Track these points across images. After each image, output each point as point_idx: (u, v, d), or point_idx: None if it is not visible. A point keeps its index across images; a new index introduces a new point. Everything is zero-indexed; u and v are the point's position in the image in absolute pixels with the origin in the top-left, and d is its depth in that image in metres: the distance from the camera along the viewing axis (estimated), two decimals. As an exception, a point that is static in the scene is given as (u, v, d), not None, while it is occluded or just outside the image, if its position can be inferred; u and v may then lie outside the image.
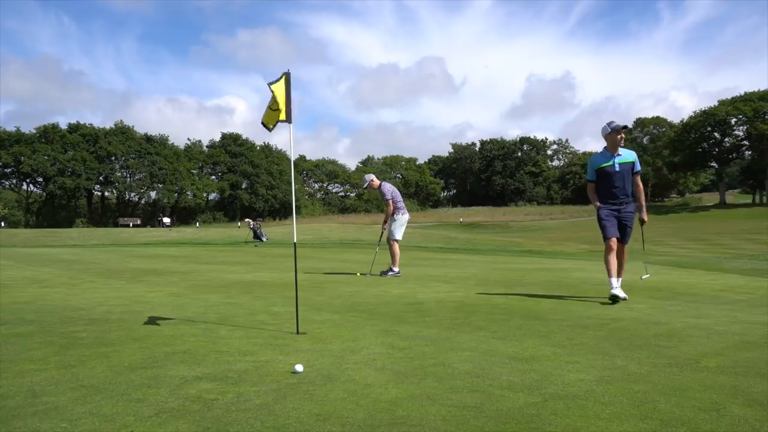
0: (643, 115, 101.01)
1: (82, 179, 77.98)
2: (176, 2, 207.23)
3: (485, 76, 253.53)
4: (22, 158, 74.96)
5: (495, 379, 2.97)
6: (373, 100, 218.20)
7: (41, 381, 2.98)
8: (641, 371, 3.12)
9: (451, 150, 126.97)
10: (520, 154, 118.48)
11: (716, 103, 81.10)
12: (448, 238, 28.34)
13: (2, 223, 56.20)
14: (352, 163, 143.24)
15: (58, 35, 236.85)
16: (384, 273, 9.12)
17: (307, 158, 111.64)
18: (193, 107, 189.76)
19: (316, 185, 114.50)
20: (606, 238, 6.16)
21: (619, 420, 2.36)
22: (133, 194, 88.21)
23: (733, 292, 6.80)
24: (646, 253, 6.93)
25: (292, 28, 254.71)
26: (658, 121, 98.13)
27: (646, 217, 6.33)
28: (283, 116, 4.51)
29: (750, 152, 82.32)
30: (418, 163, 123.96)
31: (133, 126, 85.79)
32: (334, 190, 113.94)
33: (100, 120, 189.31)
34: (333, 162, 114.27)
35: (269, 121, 4.55)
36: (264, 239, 25.23)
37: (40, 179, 79.12)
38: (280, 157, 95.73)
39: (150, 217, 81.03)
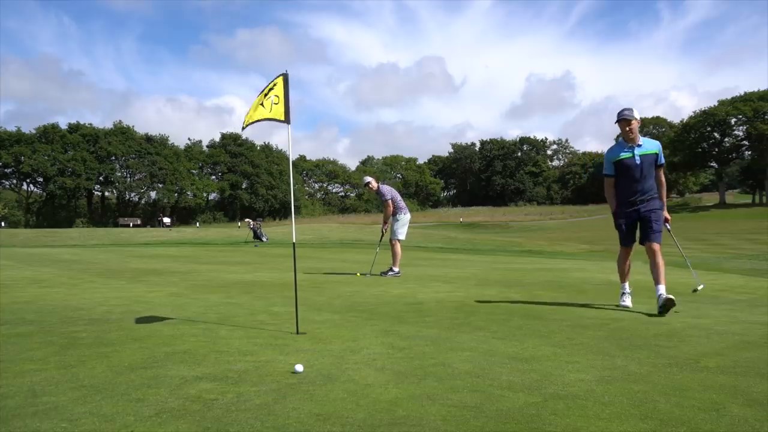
0: (643, 115, 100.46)
1: (82, 179, 78.03)
2: (175, 2, 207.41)
3: (485, 76, 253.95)
4: (23, 158, 75.00)
5: (495, 379, 2.97)
6: (372, 100, 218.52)
7: (41, 381, 2.98)
8: (641, 371, 3.12)
9: (451, 150, 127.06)
10: (520, 154, 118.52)
11: (716, 103, 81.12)
12: (448, 238, 28.34)
13: (2, 223, 56.20)
14: (352, 163, 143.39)
15: (58, 35, 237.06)
16: (384, 273, 9.12)
17: (307, 158, 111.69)
18: (193, 107, 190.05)
19: (316, 185, 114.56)
20: (622, 246, 5.68)
21: (619, 420, 2.35)
22: (133, 194, 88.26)
23: (733, 292, 6.80)
24: (681, 254, 6.43)
25: (292, 28, 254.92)
26: (658, 121, 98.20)
27: (668, 215, 5.62)
28: (268, 115, 4.49)
29: (750, 152, 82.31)
30: (418, 163, 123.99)
31: (133, 126, 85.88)
32: (334, 190, 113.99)
33: (100, 120, 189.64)
34: (333, 162, 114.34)
35: (252, 118, 4.53)
36: (264, 239, 25.23)
37: (40, 179, 79.15)
38: (280, 157, 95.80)
39: (150, 217, 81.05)
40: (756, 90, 78.84)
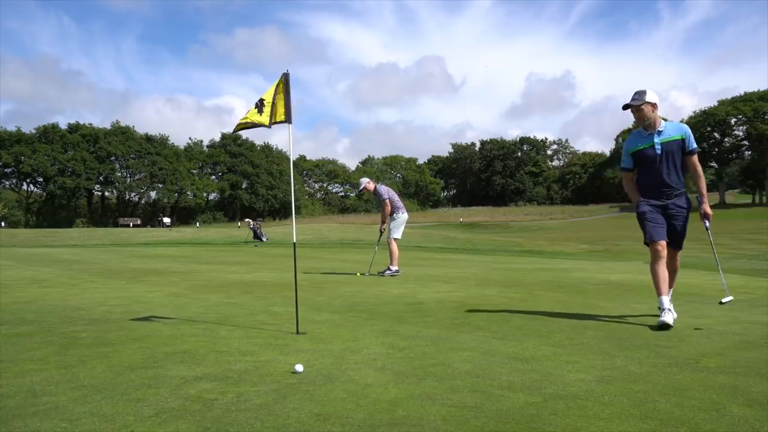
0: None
1: (82, 179, 78.07)
2: (175, 2, 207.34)
3: (485, 75, 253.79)
4: (23, 158, 75.04)
5: (495, 379, 2.97)
6: (372, 99, 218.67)
7: (41, 381, 2.98)
8: (641, 371, 3.12)
9: (451, 150, 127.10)
10: (520, 154, 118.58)
11: (716, 103, 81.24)
12: (448, 238, 28.34)
13: (2, 223, 56.21)
14: (352, 163, 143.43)
15: (58, 35, 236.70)
16: (382, 273, 9.13)
17: (307, 158, 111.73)
18: (192, 107, 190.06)
19: (316, 185, 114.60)
20: (650, 242, 4.66)
21: (619, 420, 2.35)
22: (133, 194, 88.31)
23: (733, 292, 6.79)
24: (715, 260, 5.23)
25: (292, 27, 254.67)
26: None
27: (710, 210, 4.72)
28: (266, 120, 4.50)
29: (750, 152, 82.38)
30: (418, 163, 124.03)
31: (133, 126, 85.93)
32: (334, 190, 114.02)
33: (99, 120, 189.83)
34: (333, 162, 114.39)
35: (248, 119, 4.54)
36: (264, 239, 25.24)
37: (40, 179, 79.19)
38: (280, 157, 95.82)
39: (150, 217, 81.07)
40: (756, 90, 78.97)
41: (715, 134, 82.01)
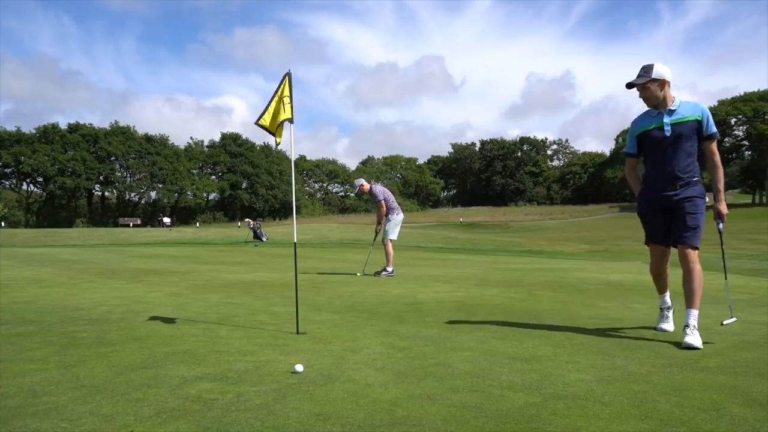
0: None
1: (82, 179, 78.07)
2: (174, 2, 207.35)
3: (485, 75, 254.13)
4: (22, 158, 75.04)
5: (495, 379, 2.97)
6: (372, 99, 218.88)
7: (41, 381, 2.98)
8: (641, 371, 3.12)
9: (451, 150, 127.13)
10: (520, 154, 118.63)
11: (716, 103, 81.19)
12: (448, 238, 28.34)
13: (2, 223, 56.19)
14: (351, 163, 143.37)
15: (57, 35, 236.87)
16: (378, 273, 9.13)
17: (307, 158, 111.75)
18: (192, 107, 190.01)
19: (316, 185, 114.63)
20: (649, 244, 4.24)
21: (619, 420, 2.35)
22: (133, 194, 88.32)
23: (733, 293, 6.80)
24: (723, 267, 4.75)
25: (291, 27, 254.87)
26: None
27: (725, 208, 4.07)
28: (286, 117, 4.50)
29: (750, 152, 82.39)
30: (417, 163, 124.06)
31: (133, 126, 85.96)
32: (334, 190, 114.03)
33: (99, 119, 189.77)
34: (333, 162, 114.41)
35: (273, 128, 4.53)
36: (264, 239, 25.24)
37: (40, 179, 79.19)
38: (280, 157, 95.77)
39: (150, 217, 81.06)
40: (756, 90, 79.06)
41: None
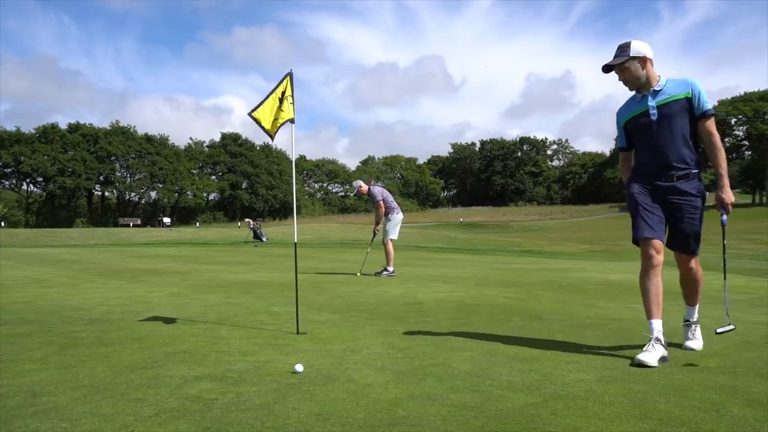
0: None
1: (82, 179, 78.08)
2: (174, 2, 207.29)
3: (485, 75, 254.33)
4: (22, 158, 75.05)
5: (495, 379, 2.97)
6: (372, 99, 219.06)
7: (41, 381, 2.98)
8: (641, 371, 3.11)
9: (451, 150, 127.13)
10: (520, 154, 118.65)
11: (716, 103, 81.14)
12: (448, 238, 28.34)
13: (2, 223, 56.20)
14: (351, 163, 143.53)
15: (57, 35, 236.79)
16: (378, 273, 9.13)
17: (307, 158, 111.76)
18: (192, 107, 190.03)
19: (316, 185, 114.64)
20: (636, 239, 3.51)
21: (619, 420, 2.35)
22: (133, 194, 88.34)
23: (733, 292, 6.80)
24: (721, 261, 3.98)
25: (291, 27, 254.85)
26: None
27: (731, 197, 3.48)
28: (288, 117, 4.50)
29: (750, 152, 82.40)
30: (417, 163, 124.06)
31: (134, 126, 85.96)
32: (334, 190, 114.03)
33: (98, 119, 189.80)
34: (333, 162, 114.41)
35: (268, 126, 4.53)
36: (264, 239, 25.24)
37: (40, 179, 79.20)
38: (280, 157, 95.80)
39: (150, 217, 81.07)
40: (756, 90, 79.10)
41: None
